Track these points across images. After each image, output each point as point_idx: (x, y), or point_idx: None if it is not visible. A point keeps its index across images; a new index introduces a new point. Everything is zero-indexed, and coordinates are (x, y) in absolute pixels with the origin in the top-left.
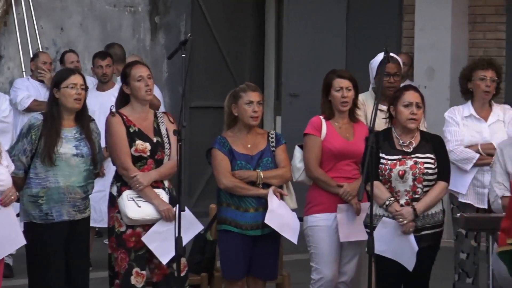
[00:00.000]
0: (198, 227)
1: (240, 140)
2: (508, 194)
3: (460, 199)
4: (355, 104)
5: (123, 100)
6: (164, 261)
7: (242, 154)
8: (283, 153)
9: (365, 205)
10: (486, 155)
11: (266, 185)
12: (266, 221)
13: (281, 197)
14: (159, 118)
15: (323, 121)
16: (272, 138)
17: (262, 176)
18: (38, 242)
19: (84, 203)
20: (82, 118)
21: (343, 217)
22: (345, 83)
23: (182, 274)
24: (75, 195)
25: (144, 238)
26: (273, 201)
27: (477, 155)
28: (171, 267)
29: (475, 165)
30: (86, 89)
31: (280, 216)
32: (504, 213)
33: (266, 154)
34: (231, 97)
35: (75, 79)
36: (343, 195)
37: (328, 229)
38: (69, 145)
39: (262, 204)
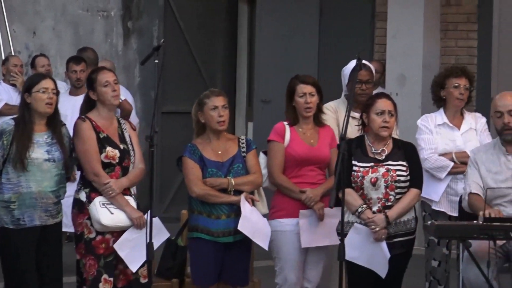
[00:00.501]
0: (165, 235)
1: (210, 146)
2: (476, 191)
3: (433, 207)
4: (319, 109)
5: (88, 106)
6: (134, 268)
7: (213, 161)
8: (254, 158)
9: (329, 211)
10: (460, 164)
11: (238, 192)
12: (239, 228)
13: (253, 203)
14: (122, 124)
15: (287, 127)
16: (242, 143)
17: (233, 183)
18: (10, 247)
19: (56, 207)
20: (54, 122)
21: (305, 222)
22: (308, 88)
23: (145, 280)
24: (47, 200)
25: (116, 246)
26: (246, 208)
27: (452, 164)
28: (136, 273)
29: (449, 173)
30: (57, 93)
31: (253, 222)
32: (480, 222)
33: (237, 160)
34: (197, 105)
35: (47, 83)
36: (305, 201)
37: (292, 234)
38: (41, 150)
39: (234, 210)
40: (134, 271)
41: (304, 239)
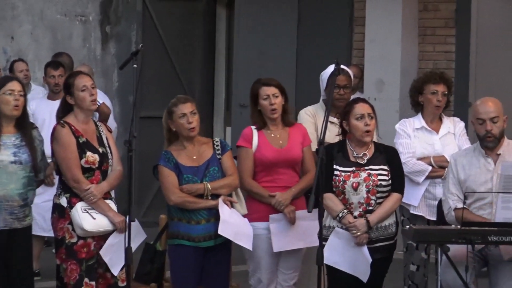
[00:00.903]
0: (142, 236)
1: (185, 152)
2: (460, 205)
3: (411, 211)
4: (285, 110)
5: (64, 110)
6: (116, 272)
7: (188, 167)
8: (230, 160)
9: (301, 213)
10: (438, 168)
11: (216, 195)
12: (220, 232)
13: (232, 204)
14: (99, 127)
15: (255, 131)
16: (217, 145)
17: (210, 188)
18: None
19: (23, 211)
20: (23, 125)
21: (276, 226)
22: (271, 90)
23: (124, 284)
24: (12, 203)
25: (101, 252)
26: (224, 211)
27: (430, 168)
28: (115, 277)
29: (428, 177)
30: (24, 95)
31: (233, 225)
32: (458, 226)
33: (212, 163)
34: (166, 113)
35: (13, 85)
36: (275, 205)
37: (264, 238)
38: (7, 152)
39: (213, 214)
40: (116, 274)
41: (276, 243)
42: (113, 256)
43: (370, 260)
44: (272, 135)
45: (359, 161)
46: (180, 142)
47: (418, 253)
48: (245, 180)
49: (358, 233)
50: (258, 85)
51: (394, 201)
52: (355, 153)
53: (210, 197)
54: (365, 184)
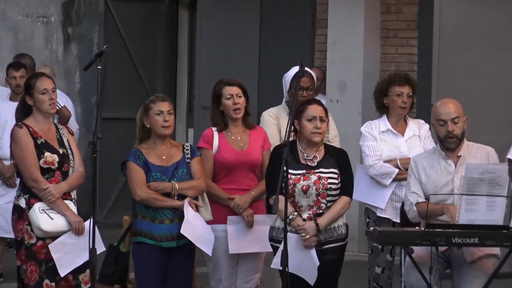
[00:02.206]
0: (101, 248)
1: (155, 151)
2: (421, 200)
3: (378, 214)
4: (247, 112)
5: (23, 110)
6: (62, 273)
7: (157, 165)
8: (198, 164)
9: (259, 217)
10: (405, 170)
11: (182, 197)
12: (182, 231)
13: (197, 208)
14: (60, 130)
15: (216, 133)
16: (187, 150)
17: (177, 188)
18: None
19: None
20: None
21: (233, 229)
22: (234, 89)
23: (87, 286)
24: None
25: (50, 246)
26: (189, 212)
27: (397, 170)
28: (77, 279)
29: (394, 180)
30: None
31: (196, 227)
32: (421, 220)
33: (181, 166)
34: (142, 110)
35: None
36: (233, 208)
37: (222, 240)
38: None
39: (177, 215)
40: (62, 275)
41: (232, 246)
42: (64, 257)
43: (318, 263)
44: (233, 137)
45: (310, 163)
46: (151, 141)
47: (383, 255)
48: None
49: (307, 236)
50: (220, 85)
51: (343, 204)
52: (305, 155)
53: (176, 198)
54: (315, 187)
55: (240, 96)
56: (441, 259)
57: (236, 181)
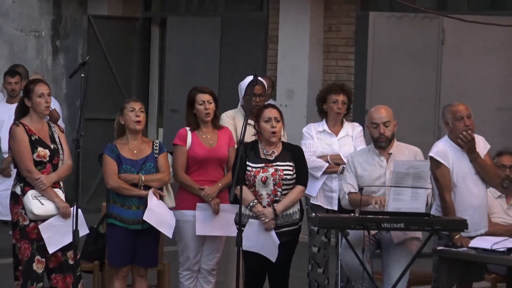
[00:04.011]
0: (85, 230)
1: (127, 146)
2: (354, 190)
3: (311, 201)
4: (215, 115)
5: (21, 110)
6: (51, 250)
7: (128, 159)
8: (164, 159)
9: (224, 206)
10: (334, 164)
11: (148, 187)
12: (145, 218)
13: (160, 197)
14: (52, 128)
15: (189, 132)
16: (156, 146)
17: (143, 179)
18: None
19: None
20: None
21: (201, 214)
22: (206, 97)
23: (73, 262)
24: None
25: (40, 227)
26: (152, 201)
27: (326, 164)
28: (65, 255)
29: (325, 172)
30: None
31: (158, 214)
32: (352, 208)
33: (149, 160)
34: (119, 110)
35: None
36: (203, 197)
37: (191, 223)
38: None
39: (143, 203)
40: (50, 252)
41: (199, 228)
42: (52, 236)
43: (278, 242)
44: (204, 136)
45: (268, 157)
46: (125, 137)
47: (319, 237)
48: (179, 174)
49: (266, 220)
50: (195, 92)
51: (298, 192)
52: (265, 151)
53: (142, 188)
54: (272, 178)
55: (210, 103)
56: (372, 241)
57: (205, 173)
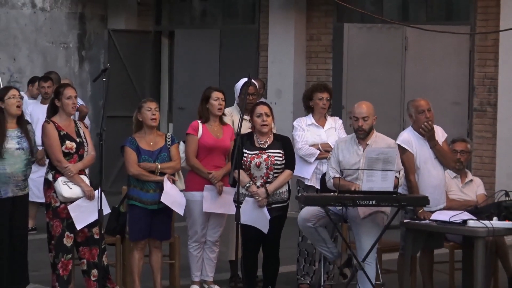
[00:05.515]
0: (107, 210)
1: (144, 139)
2: (337, 175)
3: (306, 183)
4: (223, 113)
5: (52, 110)
6: (78, 227)
7: (146, 150)
8: (176, 150)
9: (228, 189)
10: (324, 151)
11: (162, 173)
12: (162, 199)
13: (173, 181)
14: (78, 124)
15: (200, 124)
16: (168, 138)
17: (160, 167)
18: None
19: (24, 183)
20: (21, 121)
21: (208, 194)
22: (220, 94)
23: (98, 236)
24: (17, 178)
25: (69, 207)
26: (167, 185)
27: (318, 152)
28: (91, 231)
29: (317, 158)
30: (21, 98)
31: (172, 196)
32: (336, 194)
33: (163, 150)
34: (137, 108)
35: (14, 91)
36: (211, 179)
37: (199, 203)
38: (13, 141)
39: (159, 187)
40: (78, 229)
41: (206, 206)
42: (80, 215)
43: (269, 217)
44: (212, 128)
45: (262, 146)
46: (143, 131)
47: None
48: (190, 159)
49: (260, 198)
50: (210, 90)
51: (286, 175)
52: (259, 141)
53: (159, 174)
54: (265, 163)
55: (223, 100)
56: (334, 216)
57: (212, 159)
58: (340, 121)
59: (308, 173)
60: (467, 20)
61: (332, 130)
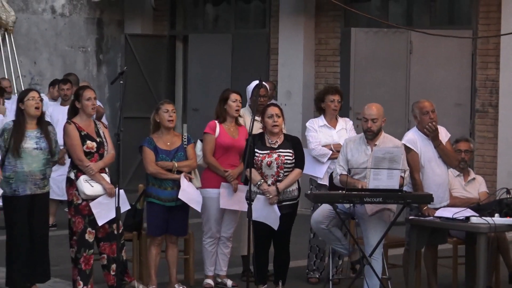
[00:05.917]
0: (127, 206)
1: (162, 139)
2: (344, 173)
3: (319, 182)
4: (239, 114)
5: (73, 111)
6: (100, 223)
7: (163, 149)
8: (192, 149)
9: (242, 187)
10: (336, 152)
11: (179, 172)
12: (179, 196)
13: (190, 179)
14: (98, 125)
15: (217, 124)
16: (185, 139)
17: (176, 166)
18: (9, 209)
19: (43, 181)
20: (41, 122)
21: (225, 191)
22: (238, 96)
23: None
24: (35, 177)
25: (91, 204)
26: (184, 183)
27: (330, 152)
28: (111, 227)
29: (329, 158)
30: (41, 100)
31: (188, 193)
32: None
33: (180, 150)
34: (155, 110)
35: (33, 93)
36: (227, 177)
37: (215, 199)
38: (31, 141)
39: (176, 184)
40: (100, 224)
41: (222, 202)
42: (101, 212)
43: (279, 214)
44: (229, 128)
45: (273, 146)
46: (160, 131)
47: None
48: (208, 157)
49: (271, 196)
50: (229, 92)
51: (296, 174)
52: (270, 141)
53: (176, 173)
54: (275, 162)
55: (240, 102)
56: (343, 214)
57: (228, 158)
58: (351, 122)
59: (321, 172)
60: (470, 25)
61: (343, 131)
